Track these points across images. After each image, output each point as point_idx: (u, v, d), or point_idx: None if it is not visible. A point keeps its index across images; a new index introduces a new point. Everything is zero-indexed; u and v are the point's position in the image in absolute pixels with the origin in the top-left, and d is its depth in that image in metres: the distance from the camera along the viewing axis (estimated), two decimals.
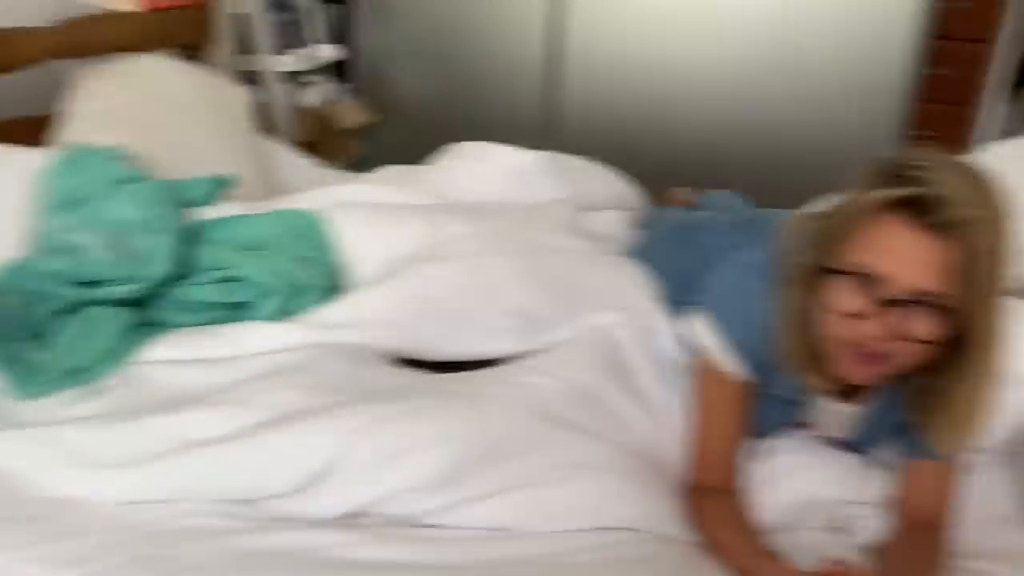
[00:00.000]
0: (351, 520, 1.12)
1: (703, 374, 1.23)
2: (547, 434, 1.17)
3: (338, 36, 3.57)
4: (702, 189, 2.22)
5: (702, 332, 1.20)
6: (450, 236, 1.54)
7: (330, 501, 1.11)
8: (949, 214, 0.93)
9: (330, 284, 1.47)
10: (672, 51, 3.00)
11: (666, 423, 1.29)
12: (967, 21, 2.82)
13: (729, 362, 1.18)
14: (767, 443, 1.27)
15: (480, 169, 1.87)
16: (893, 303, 0.96)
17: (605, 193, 1.99)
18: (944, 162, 0.97)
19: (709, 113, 3.04)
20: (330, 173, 2.29)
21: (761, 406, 1.22)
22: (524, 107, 3.24)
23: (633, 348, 1.38)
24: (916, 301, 0.96)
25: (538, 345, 1.42)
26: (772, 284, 1.13)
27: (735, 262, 1.20)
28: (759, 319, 1.13)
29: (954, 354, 1.02)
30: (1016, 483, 1.27)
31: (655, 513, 1.17)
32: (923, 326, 0.97)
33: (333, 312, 1.41)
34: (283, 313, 1.39)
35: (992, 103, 2.81)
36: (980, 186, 0.95)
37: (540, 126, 3.24)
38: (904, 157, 1.00)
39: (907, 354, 1.00)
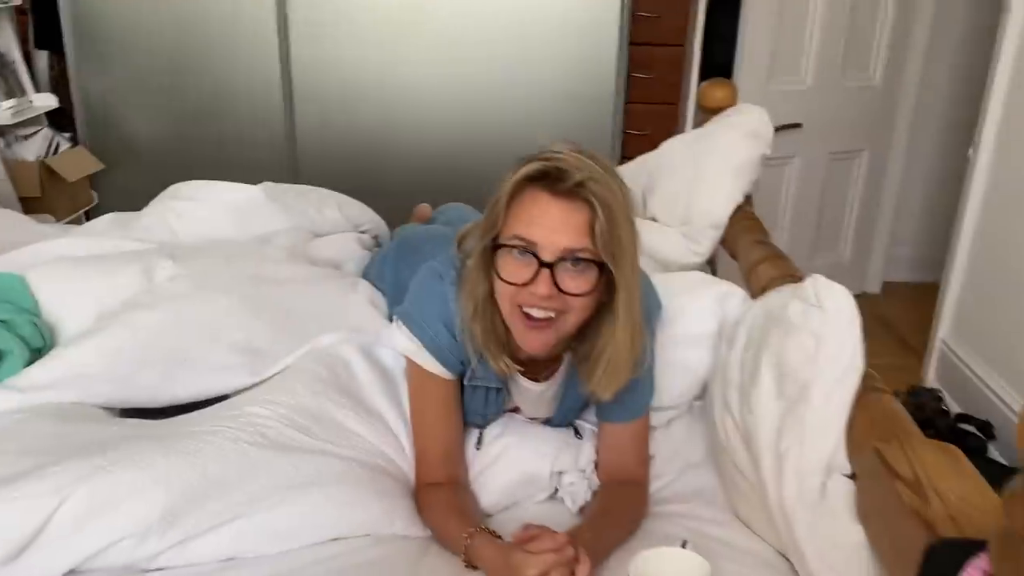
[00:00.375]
0: None
1: (412, 377, 1.30)
2: (268, 460, 1.20)
3: (55, 84, 3.39)
4: (440, 204, 2.32)
5: (399, 338, 1.27)
6: (163, 279, 1.52)
7: (44, 565, 1.07)
8: (572, 180, 1.07)
9: (35, 345, 1.41)
10: (395, 78, 3.10)
11: (393, 430, 1.36)
12: (659, 28, 3.14)
13: (430, 363, 1.26)
14: (486, 431, 1.37)
15: (198, 208, 1.85)
16: (548, 265, 1.09)
17: (335, 218, 2.04)
18: (567, 147, 1.12)
19: (440, 131, 3.18)
20: (50, 229, 2.17)
21: (471, 398, 1.32)
22: (265, 139, 3.22)
23: (358, 363, 1.43)
24: (564, 259, 1.09)
25: (269, 375, 1.45)
26: (458, 281, 1.23)
27: (427, 267, 1.29)
28: (450, 317, 1.23)
29: (602, 314, 1.17)
30: (704, 434, 1.45)
31: (388, 516, 1.23)
32: (576, 281, 1.10)
33: (39, 373, 1.36)
34: None
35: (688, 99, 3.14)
36: (596, 159, 1.10)
37: (284, 157, 3.23)
38: (541, 148, 1.13)
39: (569, 314, 1.13)
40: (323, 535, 1.18)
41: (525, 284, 1.11)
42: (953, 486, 0.92)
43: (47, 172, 3.03)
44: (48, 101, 3.25)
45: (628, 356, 1.18)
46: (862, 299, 3.77)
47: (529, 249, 1.10)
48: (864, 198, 3.64)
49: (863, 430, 1.08)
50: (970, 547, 0.80)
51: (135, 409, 1.41)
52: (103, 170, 3.24)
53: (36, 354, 1.41)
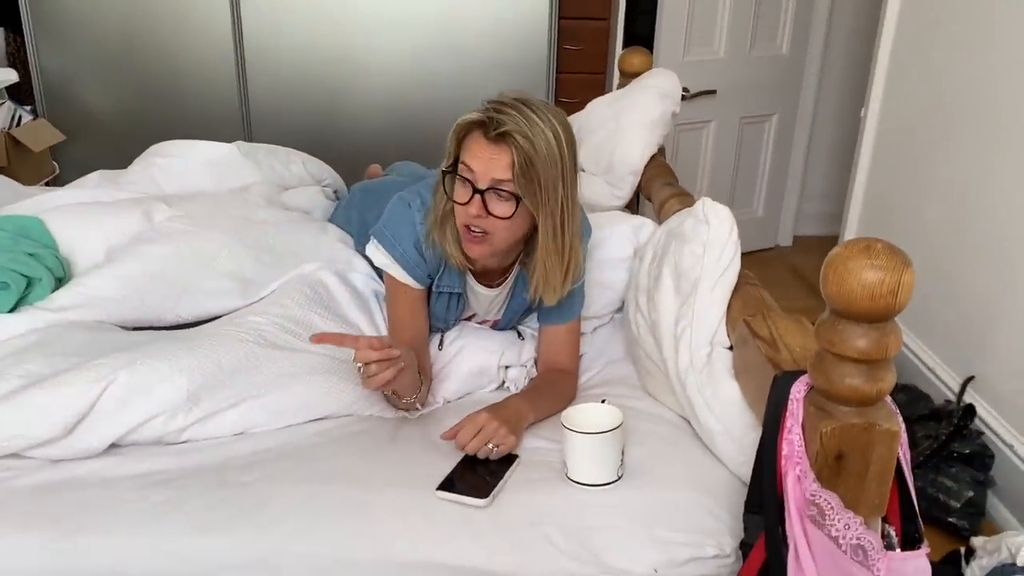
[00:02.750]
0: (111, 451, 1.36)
1: (388, 285, 1.59)
2: (268, 355, 1.47)
3: (12, 60, 3.53)
4: (387, 164, 2.58)
5: (376, 253, 1.55)
6: (162, 220, 1.77)
7: (92, 438, 1.33)
8: (500, 128, 1.35)
9: (58, 275, 1.65)
10: (345, 47, 3.34)
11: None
12: (586, 3, 3.42)
13: (402, 274, 1.54)
14: (446, 335, 1.66)
15: (178, 164, 2.09)
16: (480, 191, 1.38)
17: (300, 173, 2.29)
18: (511, 97, 1.40)
19: (384, 99, 3.43)
20: (30, 189, 2.37)
21: (436, 303, 1.61)
22: (221, 108, 3.43)
23: (335, 286, 1.71)
24: (492, 188, 1.38)
25: (257, 299, 1.71)
26: (424, 204, 1.51)
27: (397, 196, 1.57)
28: (418, 237, 1.51)
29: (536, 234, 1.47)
30: (623, 338, 1.77)
31: (367, 400, 1.52)
32: (500, 206, 1.40)
33: (65, 297, 1.61)
34: (19, 304, 1.56)
35: (613, 69, 3.43)
36: (528, 116, 1.37)
37: (237, 126, 3.45)
38: (499, 94, 1.42)
39: (499, 232, 1.42)
40: (315, 414, 1.47)
41: (464, 204, 1.40)
42: (798, 341, 1.24)
43: (12, 143, 3.19)
44: (8, 75, 3.40)
45: (557, 267, 1.48)
46: (775, 251, 4.21)
47: (468, 177, 1.39)
48: (774, 159, 4.00)
49: (738, 311, 1.40)
50: (800, 373, 1.12)
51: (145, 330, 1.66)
52: (63, 142, 3.40)
53: (58, 283, 1.65)
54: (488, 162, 1.37)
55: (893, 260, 0.93)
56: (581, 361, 1.71)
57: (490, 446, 1.34)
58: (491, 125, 1.36)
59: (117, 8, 3.31)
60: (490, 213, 1.40)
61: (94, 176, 2.13)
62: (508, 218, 1.40)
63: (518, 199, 1.39)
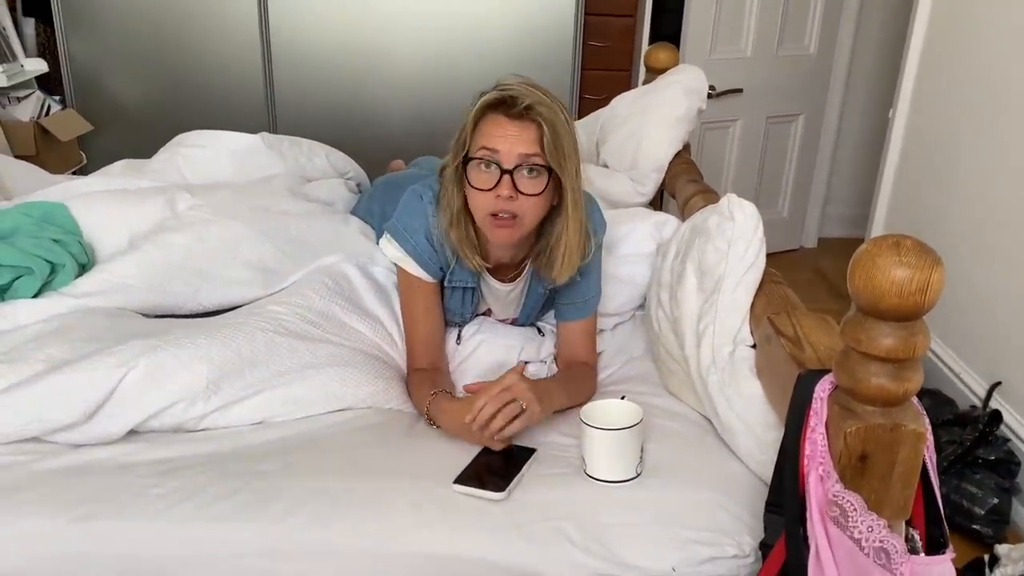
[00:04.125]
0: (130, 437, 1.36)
1: (401, 280, 1.58)
2: (289, 344, 1.47)
3: (44, 49, 3.57)
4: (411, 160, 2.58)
5: (389, 248, 1.55)
6: (184, 208, 1.78)
7: (111, 424, 1.34)
8: (522, 104, 1.35)
9: (81, 261, 1.66)
10: (370, 42, 3.35)
11: (387, 329, 1.63)
12: (612, 0, 3.41)
13: (414, 268, 1.53)
14: (464, 330, 1.65)
15: (203, 154, 2.10)
16: (508, 171, 1.37)
17: (323, 166, 2.29)
18: (516, 80, 1.40)
19: (410, 96, 3.43)
20: (56, 178, 2.39)
21: (450, 298, 1.60)
22: (247, 101, 3.44)
23: (357, 277, 1.71)
24: (521, 165, 1.37)
25: (278, 289, 1.71)
26: (437, 197, 1.50)
27: (410, 190, 1.56)
28: (430, 230, 1.50)
29: (554, 215, 1.46)
30: (643, 336, 1.75)
31: (386, 394, 1.51)
32: (530, 182, 1.38)
33: (88, 283, 1.61)
34: (43, 289, 1.57)
35: (639, 67, 3.41)
36: (541, 90, 1.39)
37: (263, 119, 3.46)
38: (497, 81, 1.42)
39: (527, 213, 1.41)
40: (334, 405, 1.46)
41: (491, 188, 1.38)
42: (823, 339, 1.22)
43: (41, 132, 3.23)
44: (39, 66, 3.44)
45: (578, 242, 1.47)
46: (800, 253, 4.16)
47: (493, 159, 1.38)
48: (800, 159, 3.97)
49: (762, 309, 1.37)
50: (824, 371, 1.10)
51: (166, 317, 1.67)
52: (91, 132, 3.44)
53: (82, 269, 1.66)
54: (514, 139, 1.36)
55: (923, 258, 0.91)
56: (600, 358, 1.70)
57: (515, 405, 1.31)
58: (513, 102, 1.35)
59: (146, 0, 3.33)
60: (520, 192, 1.38)
61: (119, 165, 2.15)
62: (539, 194, 1.38)
63: (550, 171, 1.38)
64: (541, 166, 1.38)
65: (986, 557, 1.81)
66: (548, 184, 1.39)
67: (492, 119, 1.39)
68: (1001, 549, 1.79)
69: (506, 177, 1.37)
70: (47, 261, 1.57)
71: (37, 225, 1.62)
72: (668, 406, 1.51)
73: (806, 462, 1.05)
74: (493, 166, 1.38)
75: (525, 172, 1.38)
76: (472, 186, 1.41)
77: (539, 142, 1.36)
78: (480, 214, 1.43)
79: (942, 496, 1.12)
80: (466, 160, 1.41)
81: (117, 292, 1.61)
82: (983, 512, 1.99)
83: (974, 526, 1.99)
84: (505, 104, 1.37)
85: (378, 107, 3.45)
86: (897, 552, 0.96)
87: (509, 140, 1.36)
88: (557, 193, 1.44)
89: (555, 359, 1.67)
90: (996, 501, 1.99)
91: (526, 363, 1.64)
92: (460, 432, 1.37)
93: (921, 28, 2.78)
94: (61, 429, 1.31)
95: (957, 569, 1.03)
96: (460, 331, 1.65)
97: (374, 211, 1.98)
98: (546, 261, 1.51)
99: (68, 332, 1.47)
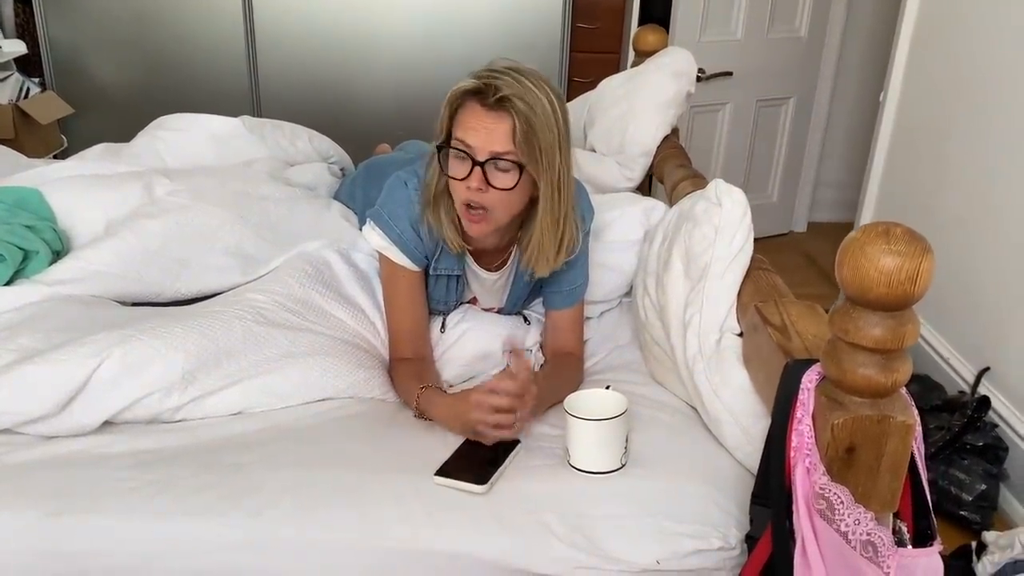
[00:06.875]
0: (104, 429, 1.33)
1: (384, 268, 1.55)
2: (268, 333, 1.44)
3: (23, 30, 3.50)
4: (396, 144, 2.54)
5: (372, 235, 1.51)
6: (162, 194, 1.74)
7: (85, 416, 1.30)
8: (498, 94, 1.31)
9: (56, 248, 1.63)
10: (356, 24, 3.30)
11: (369, 317, 1.60)
12: None
13: (398, 256, 1.50)
14: (448, 318, 1.62)
15: (183, 138, 2.06)
16: (480, 164, 1.34)
17: (306, 149, 2.26)
18: (502, 65, 1.36)
19: (395, 79, 3.38)
20: (32, 162, 2.34)
21: (434, 286, 1.57)
22: (230, 83, 3.39)
23: (338, 264, 1.67)
24: (493, 159, 1.34)
25: (258, 276, 1.68)
26: (419, 187, 1.47)
27: (394, 176, 1.52)
28: (414, 217, 1.47)
29: (533, 208, 1.43)
30: (630, 323, 1.73)
31: (368, 383, 1.48)
32: (503, 178, 1.35)
33: (62, 270, 1.58)
34: (15, 277, 1.54)
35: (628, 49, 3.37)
36: (523, 82, 1.33)
37: (247, 102, 3.41)
38: (489, 63, 1.38)
39: (499, 207, 1.38)
40: (314, 395, 1.44)
41: (463, 179, 1.35)
42: (810, 328, 1.20)
43: (20, 115, 3.17)
44: (18, 47, 3.38)
45: (552, 236, 1.44)
46: (789, 237, 4.14)
47: (466, 151, 1.34)
48: (791, 143, 3.94)
49: (749, 297, 1.35)
50: (811, 361, 1.08)
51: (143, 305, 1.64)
52: (71, 115, 3.38)
53: (56, 256, 1.62)
54: (487, 133, 1.33)
55: (912, 246, 0.89)
56: (587, 346, 1.67)
57: (520, 413, 1.30)
58: (488, 92, 1.31)
59: None
60: (491, 186, 1.35)
61: (97, 148, 2.10)
62: (510, 189, 1.35)
63: (520, 168, 1.35)
64: (512, 162, 1.35)
65: (973, 544, 1.80)
66: (520, 179, 1.36)
67: (468, 108, 1.35)
68: (988, 536, 1.78)
69: (477, 169, 1.34)
70: (19, 248, 1.53)
71: (9, 211, 1.58)
72: (654, 395, 1.49)
73: (792, 454, 1.04)
74: (465, 156, 1.35)
75: (496, 166, 1.35)
76: (446, 173, 1.39)
77: (512, 136, 1.32)
78: (459, 206, 1.41)
79: (929, 482, 1.10)
80: (440, 147, 1.39)
81: (92, 280, 1.57)
82: (971, 498, 1.98)
83: (962, 512, 1.98)
84: (481, 93, 1.33)
85: (364, 90, 3.41)
86: (884, 545, 0.95)
87: (482, 134, 1.33)
88: (536, 186, 1.41)
89: (541, 348, 1.64)
90: (984, 487, 1.98)
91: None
92: (452, 423, 1.35)
93: (912, 11, 2.75)
94: (33, 421, 1.28)
95: (944, 557, 1.02)
96: (444, 319, 1.62)
97: (356, 195, 1.95)
98: (524, 253, 1.48)
99: (40, 321, 1.43)
